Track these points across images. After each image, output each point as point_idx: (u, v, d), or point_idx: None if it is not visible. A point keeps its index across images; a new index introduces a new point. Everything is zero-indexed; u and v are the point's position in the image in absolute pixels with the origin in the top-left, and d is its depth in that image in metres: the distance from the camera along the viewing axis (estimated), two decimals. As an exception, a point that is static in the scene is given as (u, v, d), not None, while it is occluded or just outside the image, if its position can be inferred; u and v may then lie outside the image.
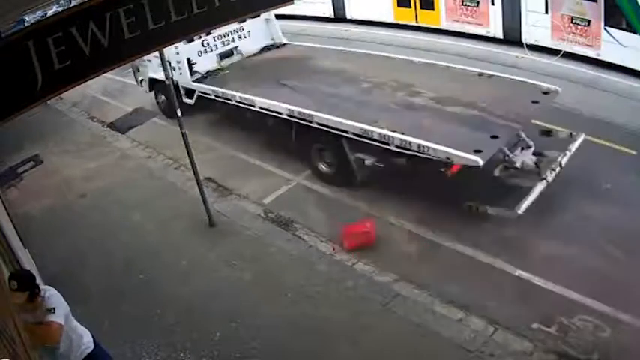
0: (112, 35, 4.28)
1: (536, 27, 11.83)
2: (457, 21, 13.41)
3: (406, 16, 14.45)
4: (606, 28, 10.45)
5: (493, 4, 12.54)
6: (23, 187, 9.71)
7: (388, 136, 6.94)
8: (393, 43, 13.67)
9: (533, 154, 7.22)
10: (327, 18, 16.37)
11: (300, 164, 8.83)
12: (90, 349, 4.51)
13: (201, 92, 9.94)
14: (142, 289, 6.73)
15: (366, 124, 7.20)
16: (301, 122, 8.02)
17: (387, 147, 7.01)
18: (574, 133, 7.58)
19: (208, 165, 8.89)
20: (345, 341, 5.63)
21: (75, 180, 9.62)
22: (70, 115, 12.68)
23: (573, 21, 11.07)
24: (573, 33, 11.14)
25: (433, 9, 13.79)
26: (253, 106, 8.77)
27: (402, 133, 6.87)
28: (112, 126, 11.77)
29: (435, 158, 6.60)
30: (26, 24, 7.62)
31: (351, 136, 7.39)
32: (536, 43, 11.87)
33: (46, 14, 9.21)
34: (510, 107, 7.26)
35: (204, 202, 7.67)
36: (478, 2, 12.81)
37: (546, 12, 11.52)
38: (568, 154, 7.18)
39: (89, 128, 11.97)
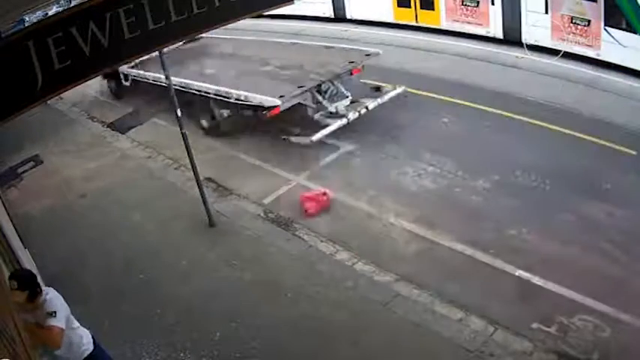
0: (112, 35, 4.27)
1: (536, 27, 11.83)
2: (457, 21, 13.41)
3: (406, 16, 14.45)
4: (606, 28, 10.45)
5: (493, 4, 12.54)
6: (23, 187, 9.71)
7: (228, 92, 9.44)
8: (393, 43, 13.67)
9: (351, 102, 9.63)
10: (327, 18, 16.37)
11: (299, 162, 8.94)
12: (89, 350, 4.48)
13: (133, 76, 12.00)
14: (142, 289, 6.73)
15: (218, 86, 9.72)
16: (186, 90, 10.10)
17: (231, 100, 9.45)
18: (397, 86, 9.95)
19: (208, 165, 8.90)
20: (345, 341, 5.63)
21: (75, 180, 9.62)
22: (70, 115, 12.68)
23: (573, 21, 11.07)
24: (573, 33, 11.15)
25: (433, 9, 13.79)
26: (160, 81, 10.38)
27: (240, 90, 9.32)
28: (112, 126, 11.78)
29: (257, 104, 9.00)
30: (26, 24, 7.62)
31: (213, 95, 9.77)
32: (536, 43, 11.88)
33: (46, 14, 9.21)
34: (328, 67, 9.77)
35: (204, 202, 7.67)
36: (478, 2, 12.81)
37: (546, 12, 11.52)
38: (379, 101, 9.62)
39: (89, 128, 11.98)
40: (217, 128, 10.16)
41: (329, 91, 9.64)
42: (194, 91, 10.08)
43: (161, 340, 5.93)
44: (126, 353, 5.75)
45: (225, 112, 9.90)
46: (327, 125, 9.13)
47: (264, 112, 8.92)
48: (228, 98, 9.49)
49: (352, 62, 9.85)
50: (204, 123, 10.47)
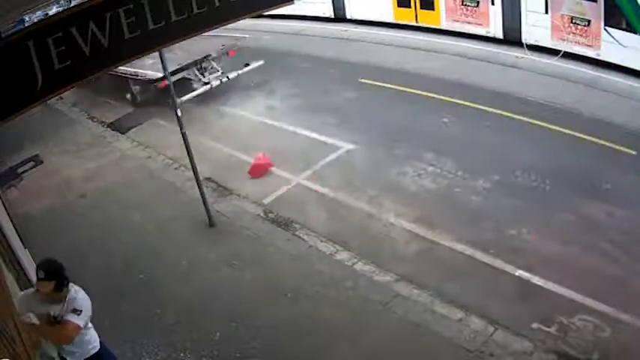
0: (112, 35, 4.26)
1: (536, 27, 11.83)
2: (457, 21, 13.41)
3: (406, 16, 14.45)
4: (606, 28, 10.45)
5: (493, 4, 12.53)
6: (23, 187, 9.71)
7: (135, 71, 11.92)
8: (393, 43, 13.68)
9: (222, 74, 12.45)
10: (327, 18, 16.36)
11: (299, 162, 8.95)
12: (96, 350, 4.63)
13: None
14: (142, 289, 6.73)
15: (131, 68, 11.73)
16: (113, 73, 11.85)
17: (138, 78, 12.19)
18: (256, 61, 12.59)
19: (208, 165, 8.90)
20: (345, 341, 5.63)
21: (75, 180, 9.62)
22: (70, 115, 12.69)
23: (573, 21, 11.07)
24: (573, 33, 11.14)
25: (433, 9, 13.79)
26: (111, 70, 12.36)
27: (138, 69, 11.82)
28: (112, 126, 11.80)
29: (151, 79, 11.66)
30: (26, 24, 7.61)
31: (129, 75, 12.21)
32: (536, 43, 11.88)
33: (46, 14, 9.21)
34: (205, 49, 12.37)
35: (204, 202, 7.67)
36: (478, 2, 12.80)
37: (546, 12, 11.52)
38: (239, 72, 12.36)
39: (89, 128, 11.99)
40: (135, 99, 12.68)
41: (208, 68, 12.61)
42: (119, 73, 12.13)
43: (161, 340, 5.93)
44: (126, 353, 5.75)
45: (138, 87, 12.68)
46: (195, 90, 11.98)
47: (155, 85, 11.61)
48: (137, 76, 12.30)
49: (223, 45, 12.82)
50: (128, 97, 13.03)
